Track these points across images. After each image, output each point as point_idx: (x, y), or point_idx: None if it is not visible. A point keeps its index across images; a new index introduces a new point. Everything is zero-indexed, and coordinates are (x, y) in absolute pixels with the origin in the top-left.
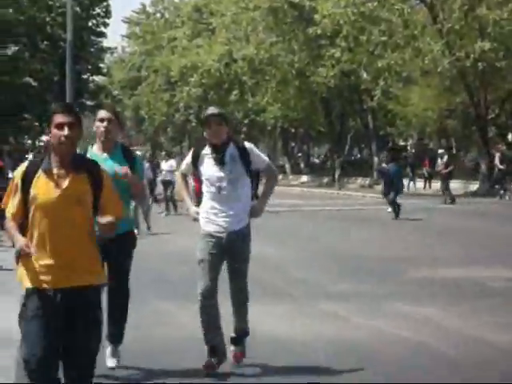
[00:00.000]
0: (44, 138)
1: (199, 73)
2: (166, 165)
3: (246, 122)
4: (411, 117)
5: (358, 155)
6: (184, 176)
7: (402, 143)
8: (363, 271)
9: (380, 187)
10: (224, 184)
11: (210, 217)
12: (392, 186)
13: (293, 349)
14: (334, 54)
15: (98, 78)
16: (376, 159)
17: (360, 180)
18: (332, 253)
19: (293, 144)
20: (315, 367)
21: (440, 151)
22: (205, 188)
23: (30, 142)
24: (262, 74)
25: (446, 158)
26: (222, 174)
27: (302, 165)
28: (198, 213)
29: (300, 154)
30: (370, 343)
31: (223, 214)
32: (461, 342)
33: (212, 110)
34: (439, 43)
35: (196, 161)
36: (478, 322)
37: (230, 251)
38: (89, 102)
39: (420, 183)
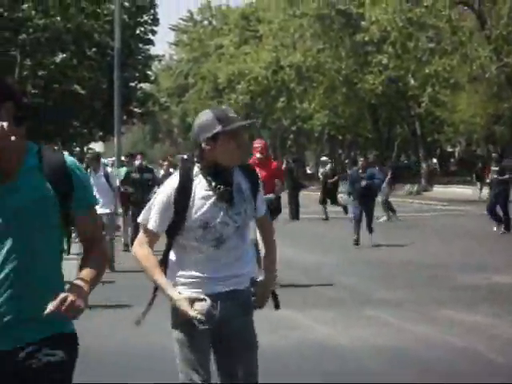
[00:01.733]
0: (92, 145)
1: (246, 80)
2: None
3: (293, 129)
4: (459, 123)
5: (405, 161)
6: (153, 236)
7: (449, 149)
8: (413, 277)
9: (428, 194)
10: (229, 233)
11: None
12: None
13: (342, 355)
14: (382, 60)
15: (145, 86)
16: (424, 165)
17: (408, 186)
18: (379, 259)
19: (340, 151)
20: (364, 373)
21: (494, 155)
22: (185, 241)
23: (78, 149)
24: (310, 81)
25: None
26: (227, 219)
27: (349, 171)
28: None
29: (347, 161)
30: (416, 349)
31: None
32: (510, 349)
33: (232, 113)
34: (487, 49)
35: (185, 194)
36: None
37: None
38: (137, 110)
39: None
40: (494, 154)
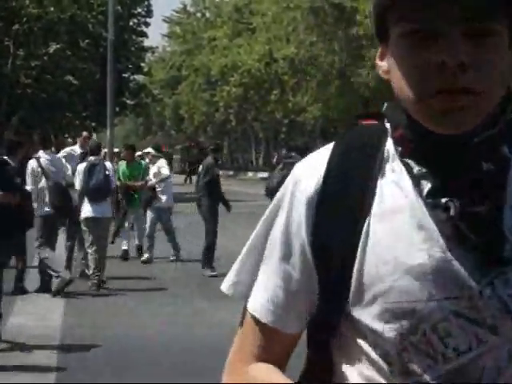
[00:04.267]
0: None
1: (239, 72)
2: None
3: (286, 121)
4: None
5: None
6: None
7: None
8: None
9: None
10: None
11: None
12: None
13: None
14: (375, 54)
15: (138, 77)
16: None
17: None
18: None
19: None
20: None
21: None
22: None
23: (70, 139)
24: (303, 74)
25: None
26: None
27: None
28: None
29: None
30: None
31: None
32: None
33: None
34: None
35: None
36: None
37: None
38: (129, 101)
39: None
40: None
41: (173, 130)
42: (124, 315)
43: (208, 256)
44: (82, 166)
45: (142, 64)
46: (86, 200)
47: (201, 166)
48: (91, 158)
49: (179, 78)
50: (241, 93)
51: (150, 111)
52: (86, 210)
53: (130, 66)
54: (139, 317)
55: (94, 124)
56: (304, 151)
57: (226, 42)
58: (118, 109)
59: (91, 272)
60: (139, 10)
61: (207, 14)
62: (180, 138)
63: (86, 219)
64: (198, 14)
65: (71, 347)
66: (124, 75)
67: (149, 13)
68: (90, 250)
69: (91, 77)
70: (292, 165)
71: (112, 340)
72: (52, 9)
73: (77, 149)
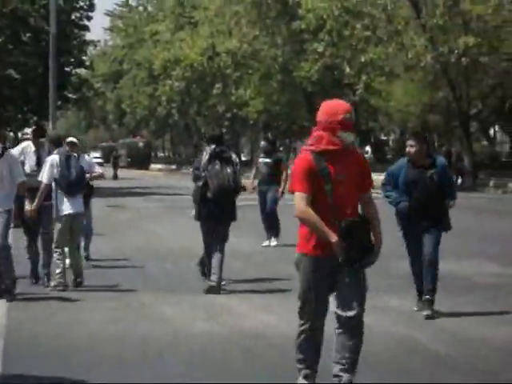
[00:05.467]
0: (27, 130)
1: (182, 66)
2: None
3: (228, 115)
4: (393, 111)
5: None
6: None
7: (383, 138)
8: None
9: None
10: None
11: None
12: None
13: (282, 343)
14: (317, 48)
15: (80, 71)
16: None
17: None
18: None
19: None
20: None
21: None
22: None
23: (11, 134)
24: (245, 68)
25: None
26: None
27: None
28: None
29: (282, 148)
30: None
31: None
32: (442, 336)
33: None
34: (422, 38)
35: None
36: (461, 316)
37: None
38: (71, 95)
39: None
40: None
41: (115, 124)
42: (67, 311)
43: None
44: (55, 158)
45: (84, 58)
46: (61, 195)
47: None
48: (61, 150)
49: (121, 71)
50: (183, 87)
51: (92, 105)
52: (65, 207)
53: (72, 60)
54: (83, 312)
55: (36, 118)
56: (218, 140)
57: (168, 36)
58: (60, 103)
59: (58, 272)
60: (81, 3)
61: (149, 8)
62: (122, 132)
63: (66, 216)
64: (140, 8)
65: (16, 344)
66: (66, 69)
67: (91, 7)
68: (58, 250)
69: (33, 71)
70: None
71: (58, 337)
72: None
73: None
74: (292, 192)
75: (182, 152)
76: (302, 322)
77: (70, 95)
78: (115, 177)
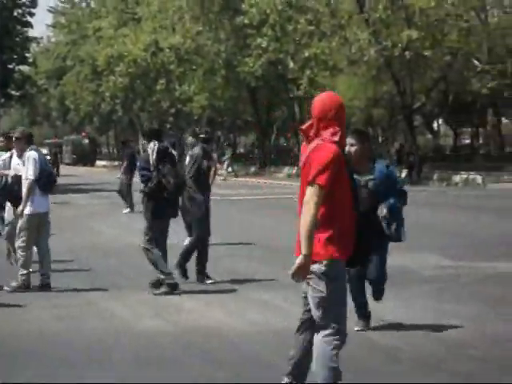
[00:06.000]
0: None
1: (125, 62)
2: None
3: (172, 111)
4: None
5: (285, 144)
6: None
7: None
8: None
9: None
10: None
11: None
12: None
13: (234, 340)
14: (261, 43)
15: (23, 68)
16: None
17: (287, 169)
18: (263, 241)
19: (219, 133)
20: (256, 358)
21: None
22: None
23: None
24: (189, 64)
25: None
26: None
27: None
28: None
29: (226, 143)
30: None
31: None
32: (389, 329)
33: None
34: (366, 32)
35: None
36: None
37: None
38: (14, 92)
39: None
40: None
41: (59, 120)
42: (15, 310)
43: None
44: (35, 155)
45: (27, 55)
46: (36, 193)
47: (187, 158)
48: (34, 147)
49: (65, 68)
50: (127, 83)
51: (36, 102)
52: (39, 204)
53: (15, 57)
54: (31, 312)
55: None
56: (160, 135)
57: (111, 32)
58: (3, 100)
59: (22, 273)
60: (24, 0)
61: (92, 4)
62: (66, 128)
63: (39, 214)
64: (83, 4)
65: None
66: (9, 66)
67: (33, 3)
68: (21, 246)
69: None
70: None
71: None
72: None
73: None
74: (310, 183)
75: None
76: (334, 326)
77: (13, 92)
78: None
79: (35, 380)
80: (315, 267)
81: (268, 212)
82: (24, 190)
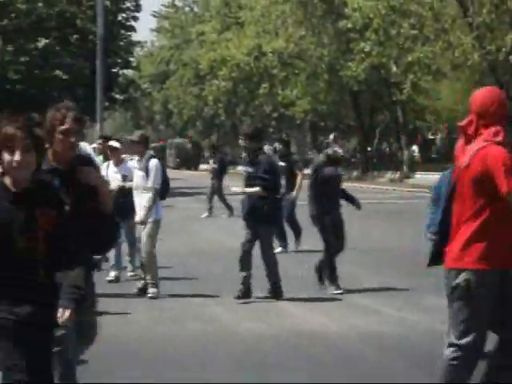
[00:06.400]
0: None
1: (228, 66)
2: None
3: (275, 115)
4: (440, 110)
5: (387, 149)
6: None
7: (431, 137)
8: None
9: (411, 181)
10: None
11: None
12: None
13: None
14: (364, 47)
15: (127, 72)
16: (406, 153)
17: (389, 174)
18: (362, 246)
19: (321, 138)
20: (356, 361)
21: None
22: None
23: None
24: (292, 68)
25: None
26: None
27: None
28: None
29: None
30: (406, 336)
31: None
32: None
33: None
34: (469, 36)
35: None
36: None
37: None
38: (118, 96)
39: None
40: None
41: (162, 124)
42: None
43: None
44: (158, 164)
45: (131, 59)
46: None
47: (310, 166)
48: (152, 153)
49: (168, 72)
50: (230, 87)
51: (139, 106)
52: (159, 210)
53: (119, 61)
54: (133, 315)
55: None
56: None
57: (214, 36)
58: (107, 103)
59: (151, 281)
60: (128, 4)
61: (195, 9)
62: (169, 132)
63: (160, 221)
64: (187, 9)
65: None
66: (113, 70)
67: (137, 7)
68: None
69: (80, 72)
70: None
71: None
72: (40, 4)
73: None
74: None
75: (228, 152)
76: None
77: (117, 96)
78: None
79: (143, 380)
80: None
81: (373, 217)
82: (149, 197)
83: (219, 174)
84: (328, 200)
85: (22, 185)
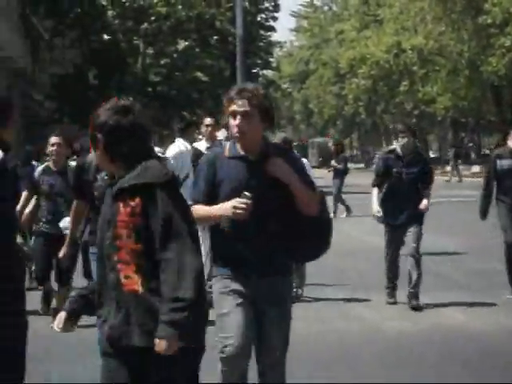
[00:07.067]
0: (218, 133)
1: (368, 64)
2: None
3: (416, 112)
4: None
5: None
6: None
7: None
8: None
9: None
10: None
11: None
12: None
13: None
14: (505, 42)
15: (267, 73)
16: None
17: None
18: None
19: (463, 134)
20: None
21: None
22: None
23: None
24: (432, 64)
25: None
26: None
27: (473, 155)
28: None
29: (471, 144)
30: None
31: None
32: None
33: None
34: None
35: None
36: None
37: None
38: None
39: None
40: None
41: (302, 124)
42: None
43: None
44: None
45: (271, 59)
46: None
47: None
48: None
49: (307, 72)
50: (370, 85)
51: (280, 106)
52: None
53: (259, 62)
54: None
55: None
56: None
57: (353, 34)
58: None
59: None
60: (266, 4)
61: (334, 8)
62: (310, 132)
63: None
64: (325, 8)
65: None
66: (253, 71)
67: (276, 7)
68: None
69: (221, 73)
70: None
71: None
72: (180, 7)
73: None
74: None
75: (370, 150)
76: None
77: None
78: None
79: (312, 380)
80: None
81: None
82: None
83: (342, 174)
84: None
85: None
